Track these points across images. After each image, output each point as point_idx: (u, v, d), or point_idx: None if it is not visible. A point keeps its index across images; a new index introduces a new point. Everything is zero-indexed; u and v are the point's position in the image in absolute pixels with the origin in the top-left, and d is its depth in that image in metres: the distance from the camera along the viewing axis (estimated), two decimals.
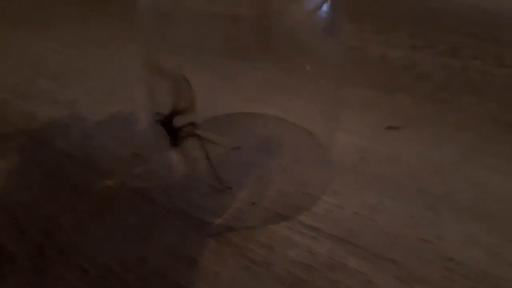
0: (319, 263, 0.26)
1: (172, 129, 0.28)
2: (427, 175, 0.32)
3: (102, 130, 0.36)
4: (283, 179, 0.32)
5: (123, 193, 0.31)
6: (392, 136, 0.36)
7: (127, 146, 0.34)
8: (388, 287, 0.24)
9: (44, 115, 0.37)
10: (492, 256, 0.26)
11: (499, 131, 0.36)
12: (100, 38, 0.47)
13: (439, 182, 0.31)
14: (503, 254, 0.26)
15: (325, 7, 0.23)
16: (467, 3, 0.56)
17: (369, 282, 0.25)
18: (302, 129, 0.35)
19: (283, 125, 0.35)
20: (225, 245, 0.27)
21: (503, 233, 0.28)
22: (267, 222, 0.28)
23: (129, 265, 0.26)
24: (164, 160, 0.33)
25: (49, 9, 0.53)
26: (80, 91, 0.40)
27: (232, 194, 0.30)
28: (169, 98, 0.28)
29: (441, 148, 0.34)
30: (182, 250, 0.27)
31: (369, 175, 0.32)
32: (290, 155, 0.33)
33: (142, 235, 0.28)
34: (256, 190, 0.31)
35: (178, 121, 0.28)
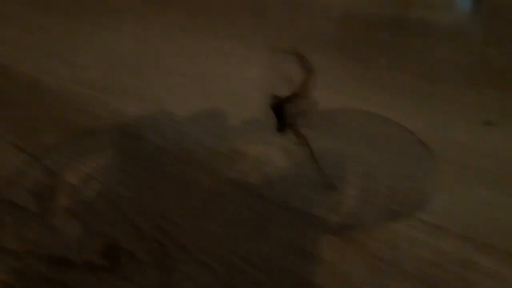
0: (449, 262, 0.25)
1: (282, 115, 0.28)
2: None
3: (193, 125, 0.35)
4: (388, 175, 0.31)
5: (230, 189, 0.30)
6: (490, 131, 0.35)
7: (223, 140, 0.34)
8: None
9: (131, 110, 0.37)
10: None
11: None
12: (167, 33, 0.47)
13: None
14: None
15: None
16: None
17: (505, 281, 0.24)
18: (400, 125, 0.34)
19: (382, 122, 0.34)
20: (348, 243, 0.26)
21: None
22: (385, 220, 0.28)
23: (253, 261, 0.25)
24: (267, 155, 0.32)
25: (110, 4, 0.52)
26: (161, 87, 0.39)
27: (340, 190, 0.30)
28: (285, 85, 0.27)
29: None
30: (304, 247, 0.26)
31: (476, 170, 0.31)
32: (391, 150, 0.33)
33: (257, 230, 0.27)
34: (363, 186, 0.30)
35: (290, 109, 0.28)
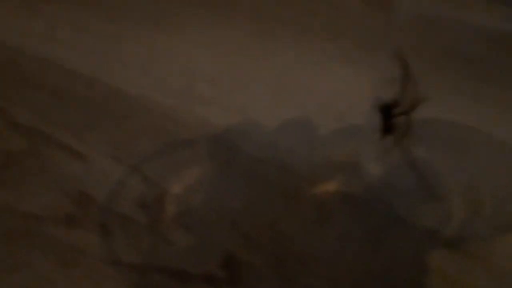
0: None
1: (390, 118, 0.28)
2: None
3: (284, 135, 0.35)
4: (492, 185, 0.31)
5: (335, 200, 0.30)
6: None
7: (319, 151, 0.34)
8: None
9: (219, 121, 0.37)
10: None
11: None
12: (236, 41, 0.47)
13: None
14: None
15: None
16: None
17: None
18: (496, 138, 0.34)
19: (481, 135, 0.34)
20: (471, 258, 0.26)
21: None
22: (497, 232, 0.28)
23: (376, 275, 0.26)
24: (364, 164, 0.32)
25: (171, 12, 0.53)
26: (244, 96, 0.40)
27: (447, 200, 0.30)
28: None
29: None
30: (425, 260, 0.26)
31: None
32: (491, 162, 0.33)
33: (374, 244, 0.27)
34: (470, 197, 0.30)
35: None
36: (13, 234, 0.31)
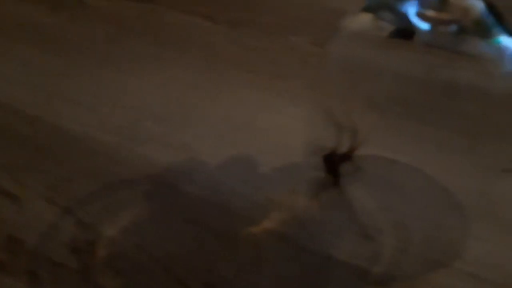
0: None
1: (336, 168, 0.29)
2: None
3: (226, 174, 0.36)
4: (422, 224, 0.32)
5: (271, 240, 0.30)
6: (510, 178, 0.37)
7: (258, 190, 0.34)
8: None
9: (161, 159, 0.37)
10: None
11: None
12: (187, 80, 0.48)
13: None
14: None
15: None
16: None
17: None
18: (432, 177, 0.35)
19: (413, 173, 0.35)
20: None
21: None
22: (424, 270, 0.29)
23: None
24: (302, 204, 0.33)
25: (128, 50, 0.53)
26: (189, 134, 0.40)
27: (377, 239, 0.30)
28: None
29: None
30: None
31: (504, 218, 0.33)
32: (423, 201, 0.34)
33: (309, 286, 0.27)
34: (399, 235, 0.31)
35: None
36: None
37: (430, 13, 0.24)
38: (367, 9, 0.26)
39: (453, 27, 0.24)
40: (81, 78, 0.48)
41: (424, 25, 0.23)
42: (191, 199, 0.33)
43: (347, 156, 0.32)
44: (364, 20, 0.26)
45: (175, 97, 0.45)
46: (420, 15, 0.23)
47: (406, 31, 0.24)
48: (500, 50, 0.24)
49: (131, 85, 0.47)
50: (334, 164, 0.31)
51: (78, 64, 0.51)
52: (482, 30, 0.24)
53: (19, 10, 0.60)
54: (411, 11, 0.25)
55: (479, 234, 0.31)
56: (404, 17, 0.24)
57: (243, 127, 0.41)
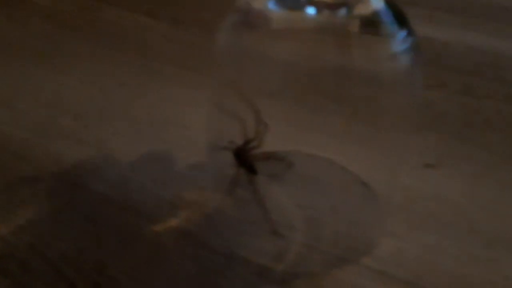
0: None
1: (247, 159, 0.28)
2: (475, 213, 0.32)
3: (137, 171, 0.34)
4: (335, 220, 0.31)
5: (173, 238, 0.29)
6: (430, 173, 0.36)
7: (168, 188, 0.33)
8: None
9: (72, 156, 0.35)
10: None
11: None
12: (117, 77, 0.46)
13: (488, 219, 0.32)
14: None
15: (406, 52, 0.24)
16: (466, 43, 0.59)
17: None
18: (345, 169, 0.34)
19: (332, 168, 0.34)
20: None
21: None
22: (331, 267, 0.28)
23: None
24: (212, 201, 0.31)
25: (61, 47, 0.51)
26: (106, 131, 0.38)
27: (287, 236, 0.29)
28: (235, 131, 0.27)
29: (481, 185, 0.35)
30: None
31: (419, 214, 0.32)
32: (336, 195, 0.33)
33: (205, 285, 0.26)
34: (310, 232, 0.30)
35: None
36: None
37: None
38: None
39: (342, 11, 0.23)
40: (4, 74, 0.46)
41: (311, 9, 0.23)
42: (96, 197, 0.32)
43: (255, 148, 0.30)
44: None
45: (100, 94, 0.44)
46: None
47: None
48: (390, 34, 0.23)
49: (55, 82, 0.45)
50: (245, 158, 0.29)
51: (4, 61, 0.49)
52: (374, 25, 0.24)
53: None
54: None
55: (392, 230, 0.30)
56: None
57: (164, 124, 0.40)
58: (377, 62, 0.24)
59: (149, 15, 0.59)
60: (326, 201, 0.32)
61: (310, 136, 0.33)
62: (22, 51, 0.51)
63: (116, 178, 0.33)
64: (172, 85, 0.45)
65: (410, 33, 0.25)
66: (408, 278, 0.27)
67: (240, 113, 0.29)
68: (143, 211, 0.31)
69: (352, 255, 0.28)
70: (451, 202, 0.33)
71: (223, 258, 0.27)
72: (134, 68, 0.48)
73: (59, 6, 0.62)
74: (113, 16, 0.59)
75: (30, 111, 0.40)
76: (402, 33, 0.23)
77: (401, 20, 0.24)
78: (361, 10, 0.23)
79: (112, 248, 0.28)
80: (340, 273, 0.27)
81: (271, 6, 0.24)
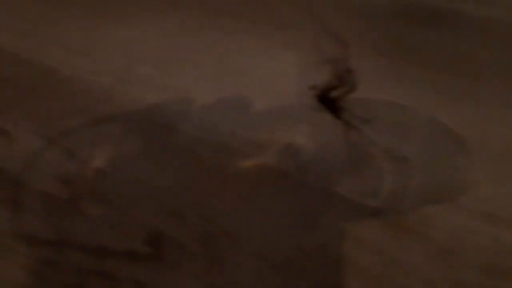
0: (508, 250, 0.25)
1: (333, 103, 0.28)
2: None
3: (223, 115, 0.34)
4: (424, 163, 0.31)
5: (270, 177, 0.29)
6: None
7: (256, 130, 0.33)
8: None
9: (156, 101, 0.35)
10: None
11: None
12: (187, 30, 0.46)
13: None
14: None
15: None
16: None
17: None
18: (435, 118, 0.34)
19: (416, 114, 0.34)
20: (401, 231, 0.26)
21: None
22: (431, 206, 0.27)
23: (308, 251, 0.24)
24: (299, 142, 0.31)
25: (126, 1, 0.51)
26: (186, 78, 0.38)
27: (379, 175, 0.29)
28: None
29: None
30: (358, 236, 0.25)
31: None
32: (426, 141, 0.32)
33: (305, 220, 0.26)
34: (399, 171, 0.30)
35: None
36: None
37: None
38: None
39: None
40: (74, 27, 0.46)
41: None
42: (185, 137, 0.32)
43: (344, 93, 0.30)
44: None
45: (169, 45, 0.43)
46: None
47: None
48: None
49: (125, 33, 0.45)
50: (333, 102, 0.29)
51: (70, 14, 0.49)
52: None
53: None
54: None
55: (483, 173, 0.30)
56: None
57: (238, 72, 0.39)
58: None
59: None
60: (415, 146, 0.32)
61: (401, 87, 0.33)
62: (86, 5, 0.51)
63: (203, 121, 0.33)
64: (238, 36, 0.45)
65: None
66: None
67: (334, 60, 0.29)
68: (234, 151, 0.31)
69: (452, 196, 0.28)
70: None
71: (321, 196, 0.28)
72: (199, 21, 0.48)
73: None
74: None
75: (107, 59, 0.40)
76: None
77: None
78: None
79: (211, 184, 0.28)
80: (442, 213, 0.27)
81: None
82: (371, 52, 0.34)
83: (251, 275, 0.23)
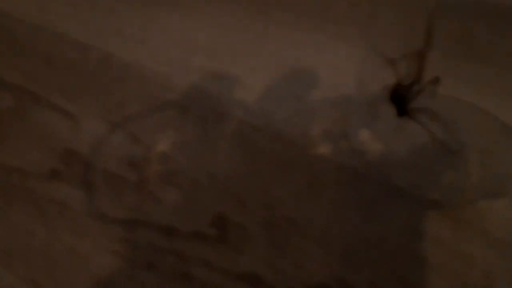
0: None
1: (403, 99, 0.28)
2: None
3: (280, 105, 0.35)
4: (483, 158, 0.30)
5: (331, 167, 0.30)
6: None
7: (314, 121, 0.33)
8: None
9: (213, 89, 0.36)
10: None
11: None
12: (239, 22, 0.47)
13: None
14: None
15: None
16: None
17: None
18: (495, 116, 0.34)
19: (478, 110, 0.34)
20: (467, 226, 0.26)
21: None
22: (491, 199, 0.27)
23: (371, 241, 0.25)
24: (363, 135, 0.32)
25: None
26: (241, 68, 0.39)
27: (438, 169, 0.29)
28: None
29: None
30: (422, 230, 0.26)
31: None
32: (497, 141, 0.32)
33: (367, 211, 0.27)
34: (458, 166, 0.30)
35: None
36: None
37: None
38: None
39: None
40: (130, 14, 0.48)
41: None
42: (244, 126, 0.33)
43: (410, 90, 0.30)
44: None
45: (224, 35, 0.44)
46: None
47: None
48: None
49: (179, 23, 0.46)
50: (400, 97, 0.29)
51: (127, 3, 0.50)
52: None
53: None
54: None
55: None
56: None
57: (293, 64, 0.40)
58: None
59: None
60: (473, 141, 0.32)
61: (462, 83, 0.33)
62: None
63: (260, 110, 0.34)
64: (291, 29, 0.45)
65: None
66: None
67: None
68: (292, 140, 0.32)
69: (503, 189, 0.28)
70: None
71: (384, 189, 0.28)
72: (251, 14, 0.48)
73: None
74: None
75: (164, 48, 0.42)
76: None
77: None
78: None
79: (271, 172, 0.29)
80: (497, 205, 0.27)
81: None
82: (434, 50, 0.34)
83: (315, 261, 0.24)
